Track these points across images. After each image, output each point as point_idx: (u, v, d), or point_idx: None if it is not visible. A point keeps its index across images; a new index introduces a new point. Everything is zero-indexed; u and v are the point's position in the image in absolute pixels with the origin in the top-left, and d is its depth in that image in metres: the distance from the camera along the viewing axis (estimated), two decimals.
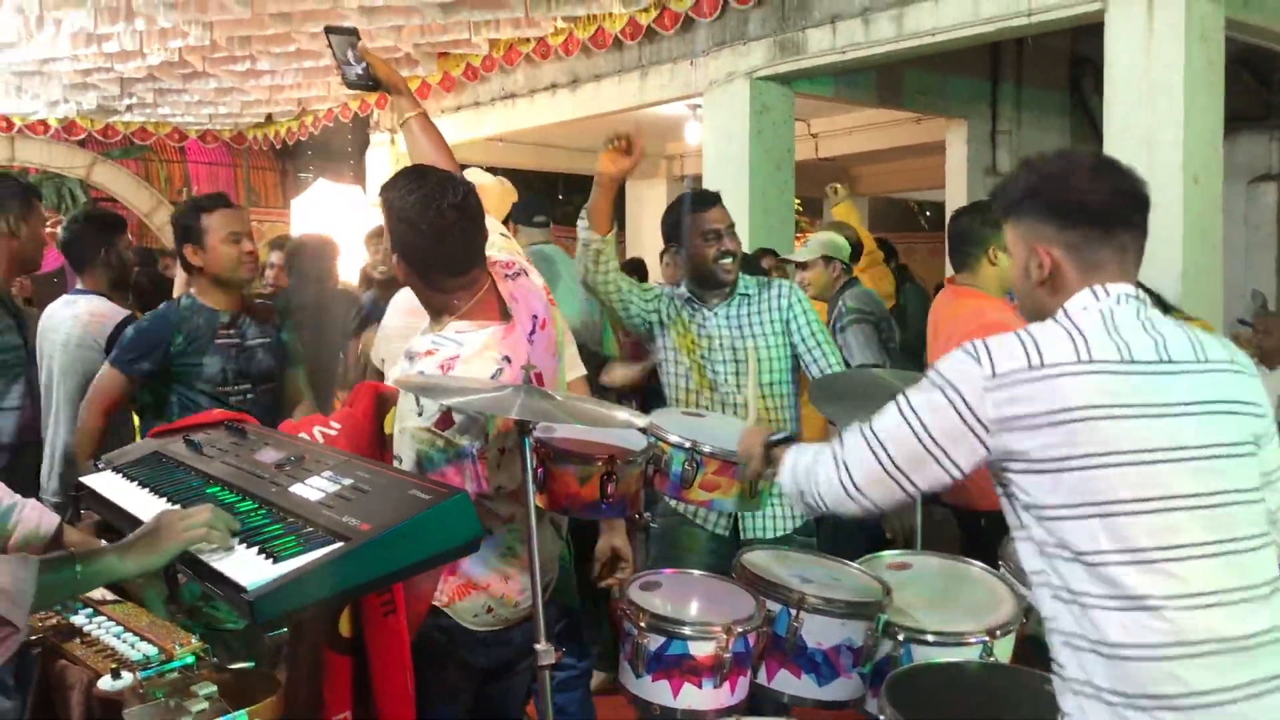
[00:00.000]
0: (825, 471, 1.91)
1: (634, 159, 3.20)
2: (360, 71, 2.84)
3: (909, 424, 1.79)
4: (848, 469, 1.87)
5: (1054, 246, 1.83)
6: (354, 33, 2.88)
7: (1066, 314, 1.80)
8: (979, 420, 1.74)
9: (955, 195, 8.23)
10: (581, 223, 3.26)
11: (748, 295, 3.49)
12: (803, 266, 5.12)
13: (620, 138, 3.15)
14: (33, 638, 2.09)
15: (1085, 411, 1.68)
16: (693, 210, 3.44)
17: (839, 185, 6.90)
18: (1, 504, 2.00)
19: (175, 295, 4.00)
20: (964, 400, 1.74)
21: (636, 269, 7.82)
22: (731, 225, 3.49)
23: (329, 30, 2.90)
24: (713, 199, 3.53)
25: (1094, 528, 1.68)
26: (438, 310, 2.48)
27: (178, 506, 2.05)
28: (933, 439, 1.78)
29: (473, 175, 3.39)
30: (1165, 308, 3.85)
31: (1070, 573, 1.71)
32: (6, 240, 3.44)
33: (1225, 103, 4.94)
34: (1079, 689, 1.71)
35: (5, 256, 3.46)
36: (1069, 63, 8.47)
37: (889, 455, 1.82)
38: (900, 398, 1.84)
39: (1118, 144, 4.81)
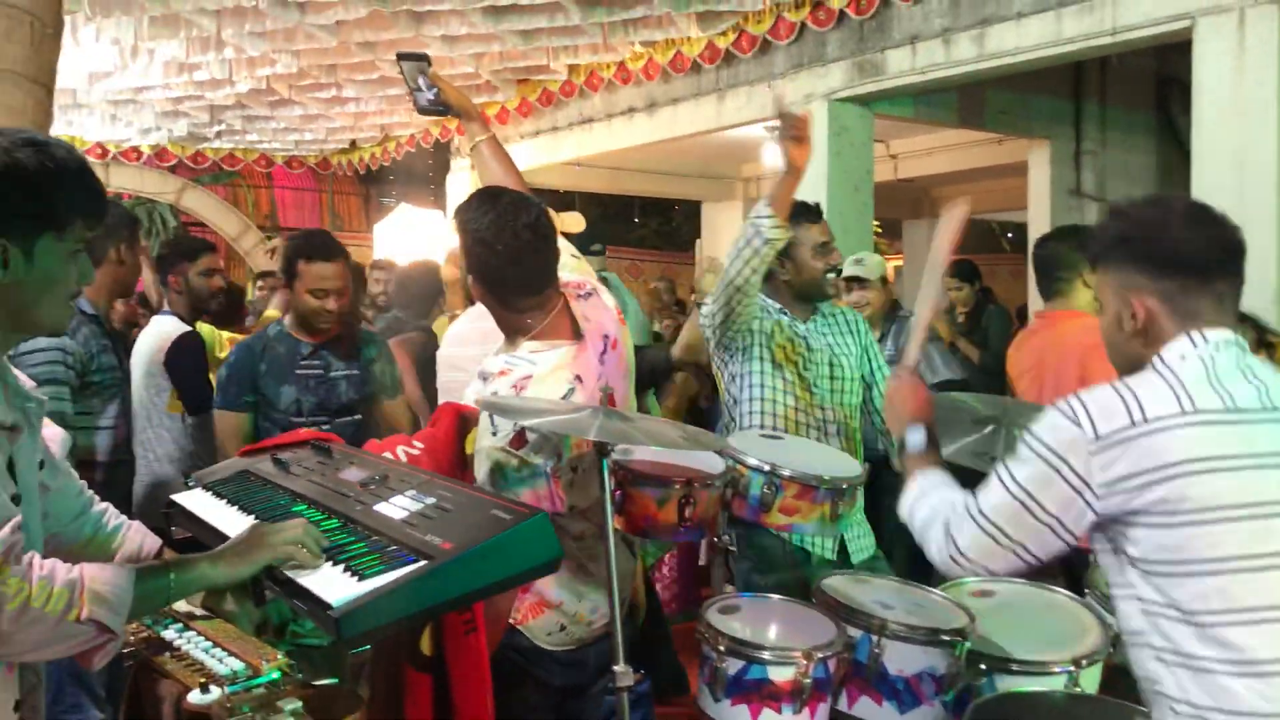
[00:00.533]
0: (936, 542, 1.91)
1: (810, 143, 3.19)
2: (431, 97, 2.89)
3: (1019, 501, 1.77)
4: (958, 548, 1.86)
5: (1148, 296, 1.79)
6: (425, 59, 2.94)
7: (1164, 363, 1.75)
8: (1087, 485, 1.71)
9: (1038, 217, 8.10)
10: (763, 214, 3.13)
11: (826, 315, 3.49)
12: (860, 284, 4.99)
13: (799, 124, 3.12)
14: (125, 650, 2.13)
15: (1192, 465, 1.64)
16: (804, 222, 3.41)
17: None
18: (109, 524, 2.06)
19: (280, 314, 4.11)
20: (1071, 469, 1.72)
21: None
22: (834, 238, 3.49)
23: (401, 57, 2.97)
24: (820, 211, 3.52)
25: (1205, 587, 1.64)
26: (512, 330, 2.52)
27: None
28: (1045, 511, 1.75)
29: None
30: (1262, 331, 3.76)
31: (1178, 634, 1.67)
32: (114, 267, 3.60)
33: None
34: None
35: (110, 281, 3.62)
36: (1155, 81, 8.30)
37: (1003, 533, 1.80)
38: (1004, 472, 1.81)
39: (1206, 164, 4.71)
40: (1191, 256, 1.79)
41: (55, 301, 1.67)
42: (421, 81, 2.90)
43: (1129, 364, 1.83)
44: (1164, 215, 1.83)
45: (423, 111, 2.94)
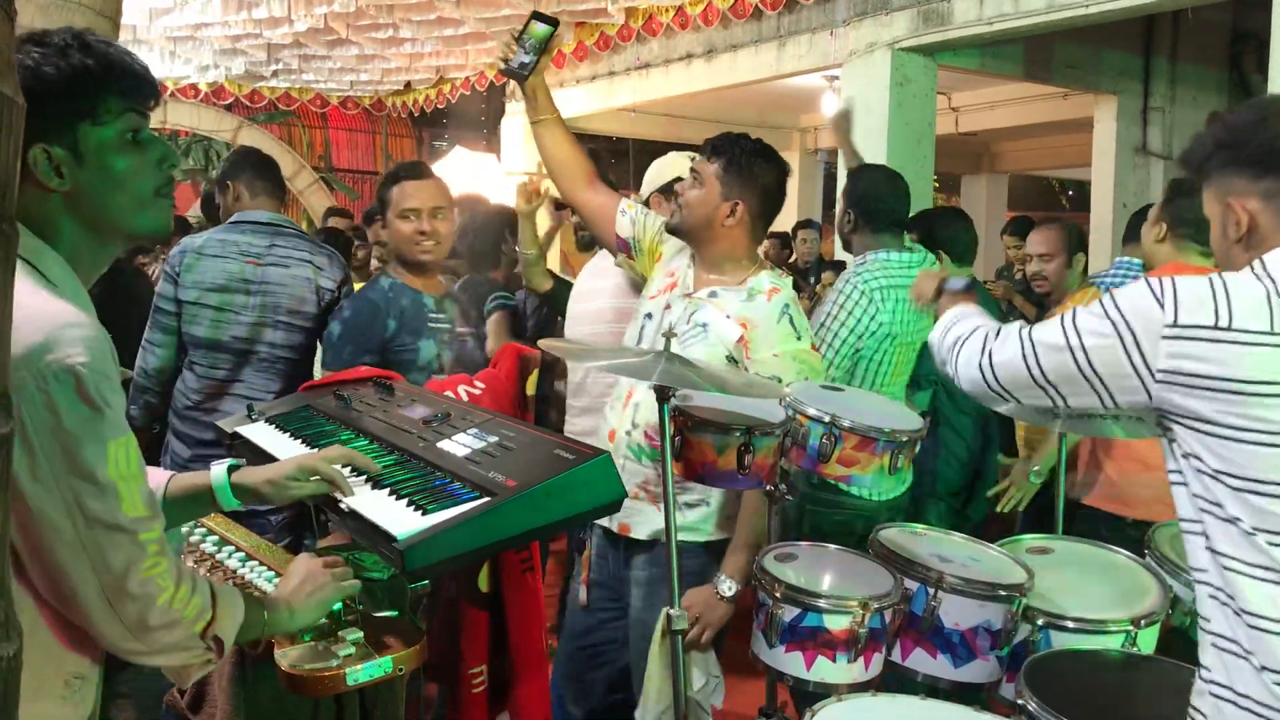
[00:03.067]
0: (969, 351, 1.90)
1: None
2: (526, 61, 2.76)
3: (1068, 342, 1.72)
4: (991, 360, 1.84)
5: (1250, 199, 1.69)
6: (556, 24, 2.81)
7: (1265, 268, 1.64)
8: (1147, 366, 1.64)
9: (1103, 175, 7.94)
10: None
11: None
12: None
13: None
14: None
15: (1269, 388, 1.56)
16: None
17: None
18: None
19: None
20: (1135, 340, 1.64)
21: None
22: None
23: (536, 15, 2.80)
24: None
25: (1254, 504, 1.58)
26: (753, 260, 2.78)
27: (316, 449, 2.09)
28: (1091, 366, 1.69)
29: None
30: None
31: (1222, 533, 1.62)
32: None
33: None
34: (1219, 693, 1.64)
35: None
36: (1229, 38, 8.08)
37: (1040, 365, 1.76)
38: (1068, 314, 1.76)
39: None
40: None
41: (132, 198, 1.52)
42: (530, 44, 2.77)
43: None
44: (1259, 114, 1.73)
45: (507, 72, 2.80)
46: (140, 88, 1.54)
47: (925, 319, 3.43)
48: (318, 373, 3.38)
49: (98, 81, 1.49)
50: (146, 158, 1.53)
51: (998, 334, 1.87)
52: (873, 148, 6.68)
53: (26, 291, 1.36)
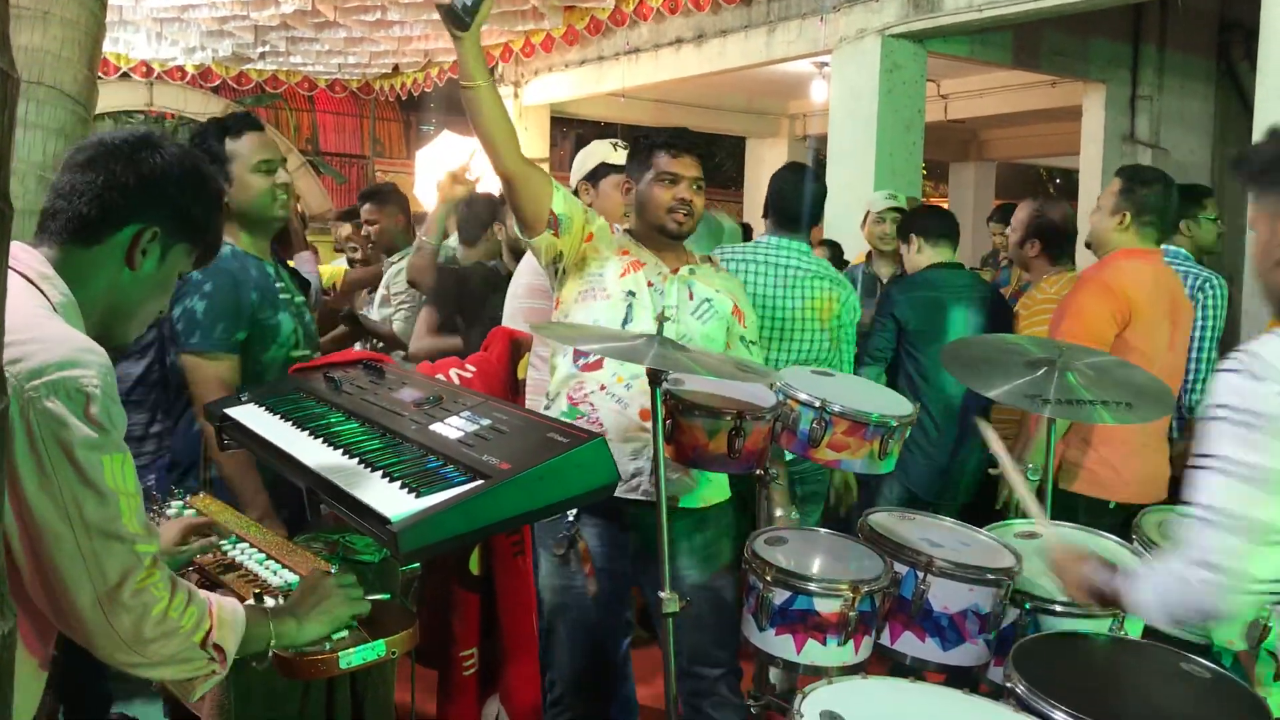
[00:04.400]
0: (1202, 592, 1.68)
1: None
2: (470, 4, 2.55)
3: (1243, 480, 1.63)
4: (1224, 571, 1.65)
5: None
6: None
7: None
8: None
9: (1090, 163, 7.97)
10: None
11: None
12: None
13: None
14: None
15: None
16: None
17: None
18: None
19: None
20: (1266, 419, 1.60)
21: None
22: None
23: None
24: None
25: None
26: None
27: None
28: (1264, 469, 1.62)
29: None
30: None
31: None
32: None
33: None
34: None
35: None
36: (1217, 27, 8.11)
37: (1240, 517, 1.64)
38: (1210, 464, 1.66)
39: (1269, 113, 4.58)
40: None
41: (149, 315, 1.71)
42: None
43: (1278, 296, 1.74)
44: None
45: (446, 9, 2.57)
46: (211, 256, 1.79)
47: (787, 292, 3.59)
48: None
49: (210, 229, 1.73)
50: (168, 292, 1.74)
51: (1187, 554, 1.70)
52: (862, 134, 6.69)
53: (43, 314, 1.49)
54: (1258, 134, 4.65)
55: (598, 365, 2.65)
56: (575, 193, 3.41)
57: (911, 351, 3.89)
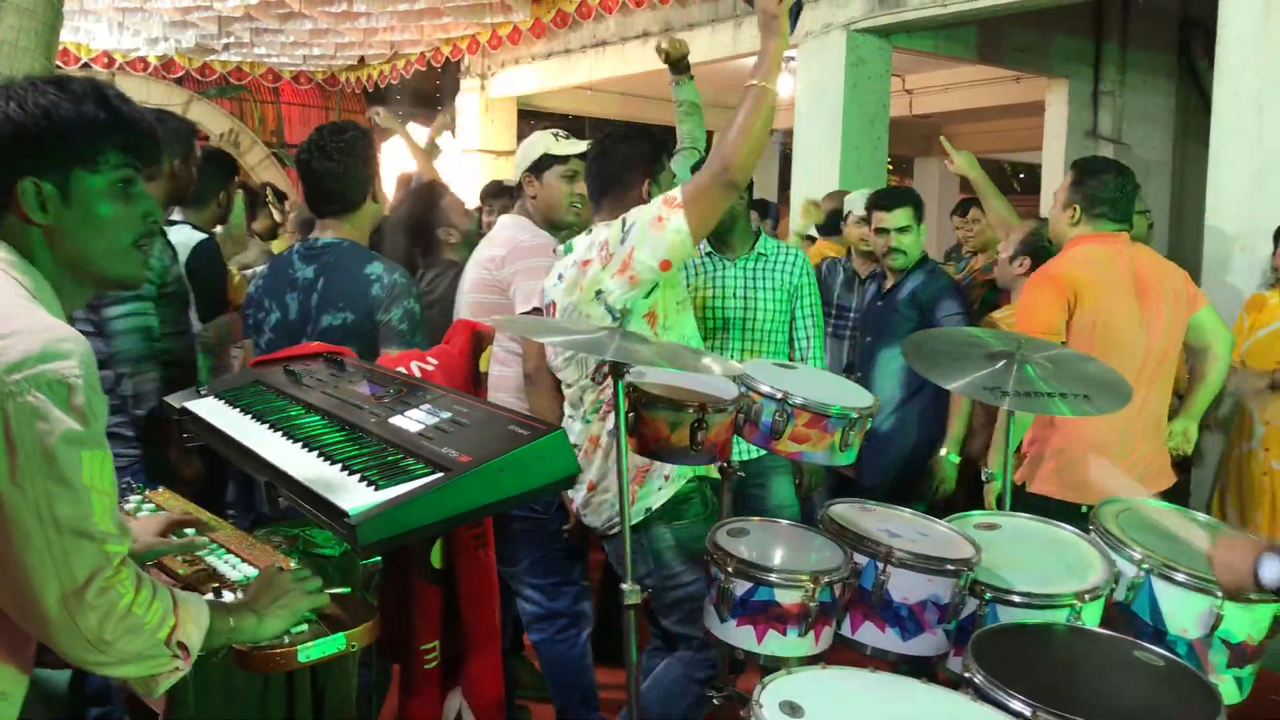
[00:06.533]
0: None
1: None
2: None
3: None
4: None
5: None
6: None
7: None
8: None
9: (1053, 157, 8.03)
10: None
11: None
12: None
13: None
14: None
15: None
16: None
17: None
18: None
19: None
20: None
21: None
22: None
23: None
24: None
25: None
26: None
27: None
28: None
29: None
30: None
31: None
32: (166, 182, 3.57)
33: None
34: None
35: (161, 194, 3.58)
36: (1178, 24, 8.19)
37: None
38: None
39: (1227, 109, 4.65)
40: None
41: (109, 245, 1.59)
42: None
43: None
44: None
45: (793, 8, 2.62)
46: (143, 148, 1.62)
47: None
48: None
49: (103, 133, 1.57)
50: (132, 210, 1.61)
51: None
52: (827, 129, 6.71)
53: (21, 303, 1.46)
54: (1216, 128, 4.72)
55: None
56: (519, 185, 3.43)
57: None
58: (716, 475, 2.83)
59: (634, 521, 2.66)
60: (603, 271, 2.68)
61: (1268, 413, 4.34)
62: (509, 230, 3.39)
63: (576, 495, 2.88)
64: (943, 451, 4.13)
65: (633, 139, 2.98)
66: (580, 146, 3.35)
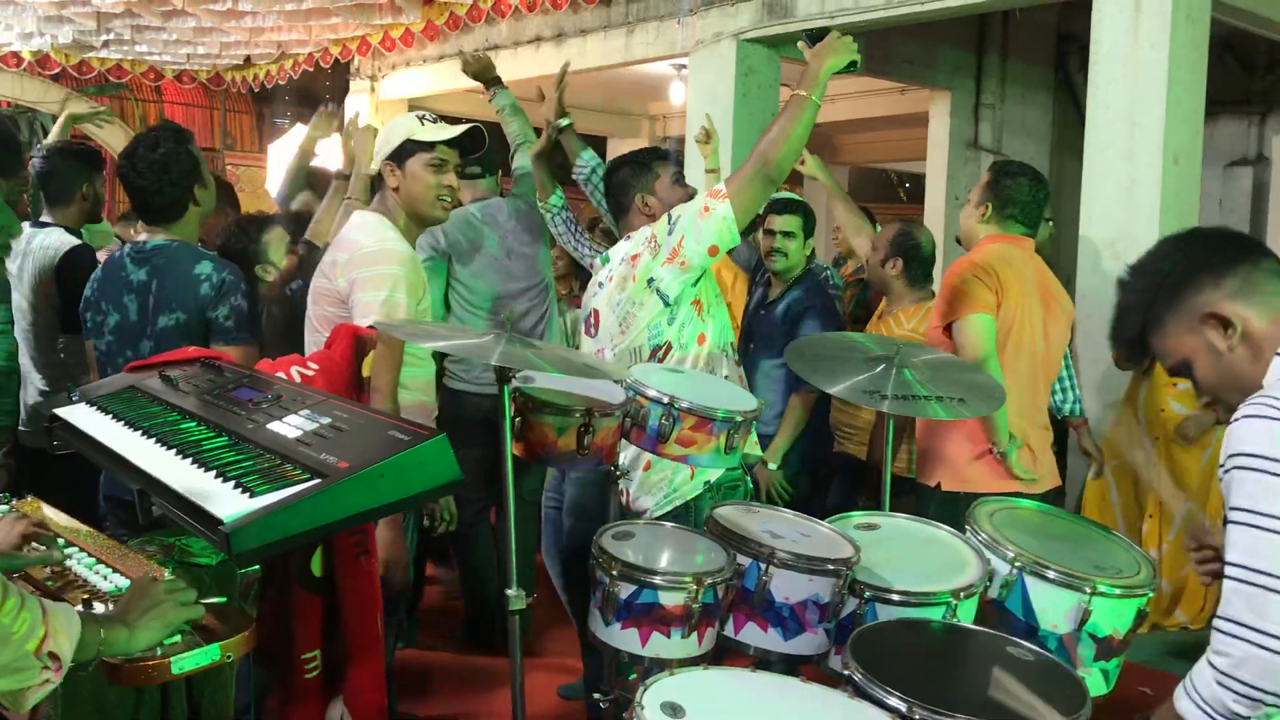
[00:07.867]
0: (1256, 666, 1.57)
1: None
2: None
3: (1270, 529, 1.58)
4: (1258, 630, 1.56)
5: (1224, 304, 1.71)
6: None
7: None
8: None
9: (936, 168, 8.23)
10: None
11: None
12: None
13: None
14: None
15: None
16: None
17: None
18: None
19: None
20: None
21: None
22: None
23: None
24: None
25: None
26: None
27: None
28: None
29: None
30: None
31: None
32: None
33: (1207, 86, 4.96)
34: None
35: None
36: (1056, 39, 8.47)
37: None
38: (1243, 519, 1.61)
39: (1100, 121, 4.83)
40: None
41: None
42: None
43: (1244, 391, 1.67)
44: (1159, 251, 1.81)
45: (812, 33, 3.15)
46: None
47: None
48: None
49: None
50: None
51: (1226, 627, 1.60)
52: (718, 136, 6.76)
53: None
54: (1089, 141, 4.88)
55: None
56: (379, 176, 3.12)
57: None
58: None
59: (693, 495, 3.05)
60: (653, 260, 3.01)
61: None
62: (354, 232, 3.04)
63: (631, 479, 3.03)
64: (766, 460, 4.19)
65: (623, 165, 3.35)
66: (451, 132, 3.04)
